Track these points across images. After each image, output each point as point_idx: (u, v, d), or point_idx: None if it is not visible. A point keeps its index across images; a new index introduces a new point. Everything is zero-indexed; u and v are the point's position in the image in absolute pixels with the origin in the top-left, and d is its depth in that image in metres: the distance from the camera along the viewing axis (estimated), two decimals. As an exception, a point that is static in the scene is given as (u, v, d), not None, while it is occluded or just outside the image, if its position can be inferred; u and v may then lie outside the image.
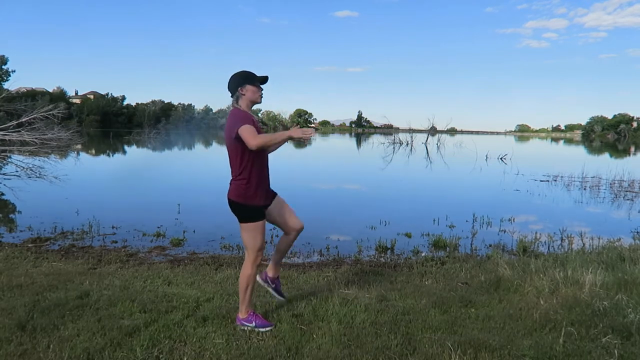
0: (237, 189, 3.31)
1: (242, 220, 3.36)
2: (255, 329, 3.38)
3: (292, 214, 3.58)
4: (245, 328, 3.40)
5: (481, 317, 3.70)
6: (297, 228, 3.57)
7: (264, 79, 3.39)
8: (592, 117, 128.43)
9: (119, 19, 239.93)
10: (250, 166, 3.28)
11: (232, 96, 3.37)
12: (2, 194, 11.67)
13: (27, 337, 3.16)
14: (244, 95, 3.32)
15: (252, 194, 3.31)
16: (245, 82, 3.32)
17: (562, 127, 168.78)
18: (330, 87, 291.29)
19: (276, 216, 3.54)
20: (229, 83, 3.37)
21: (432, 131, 52.57)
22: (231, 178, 3.38)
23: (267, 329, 3.40)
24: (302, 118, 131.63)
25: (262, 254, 3.46)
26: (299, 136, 3.16)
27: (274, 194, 3.57)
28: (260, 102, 3.40)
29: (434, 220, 8.79)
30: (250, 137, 3.11)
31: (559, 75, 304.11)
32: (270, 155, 3.55)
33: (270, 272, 3.72)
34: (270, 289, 3.73)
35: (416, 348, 3.12)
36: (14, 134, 26.19)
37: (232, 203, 3.36)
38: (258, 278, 3.63)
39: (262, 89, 3.41)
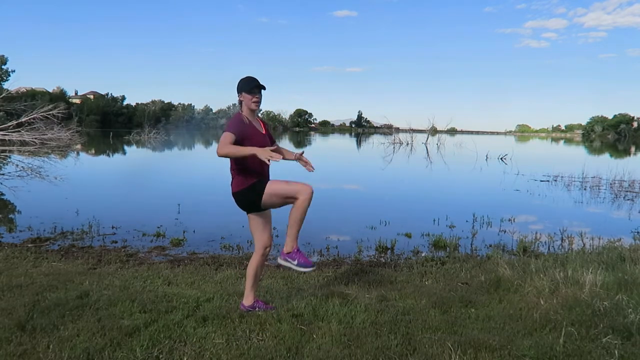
0: (237, 177, 3.48)
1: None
2: (296, 267, 3.47)
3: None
4: (287, 264, 3.48)
5: (481, 317, 3.70)
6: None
7: (258, 86, 3.51)
8: (592, 117, 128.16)
9: (118, 19, 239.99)
10: (242, 158, 3.39)
11: None
12: (2, 194, 11.67)
13: (27, 337, 3.15)
14: (242, 101, 3.55)
15: (250, 175, 3.44)
16: (241, 89, 3.53)
17: (562, 127, 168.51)
18: (330, 87, 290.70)
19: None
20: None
21: (432, 131, 52.56)
22: (231, 172, 3.53)
23: (309, 269, 3.49)
24: (302, 118, 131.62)
25: (306, 186, 3.43)
26: (264, 157, 3.13)
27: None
28: (255, 109, 3.56)
29: (434, 220, 8.79)
30: (221, 144, 3.29)
31: (559, 75, 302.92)
32: None
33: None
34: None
35: (416, 348, 3.12)
36: (14, 134, 26.23)
37: (237, 194, 3.49)
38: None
39: (258, 96, 3.52)
